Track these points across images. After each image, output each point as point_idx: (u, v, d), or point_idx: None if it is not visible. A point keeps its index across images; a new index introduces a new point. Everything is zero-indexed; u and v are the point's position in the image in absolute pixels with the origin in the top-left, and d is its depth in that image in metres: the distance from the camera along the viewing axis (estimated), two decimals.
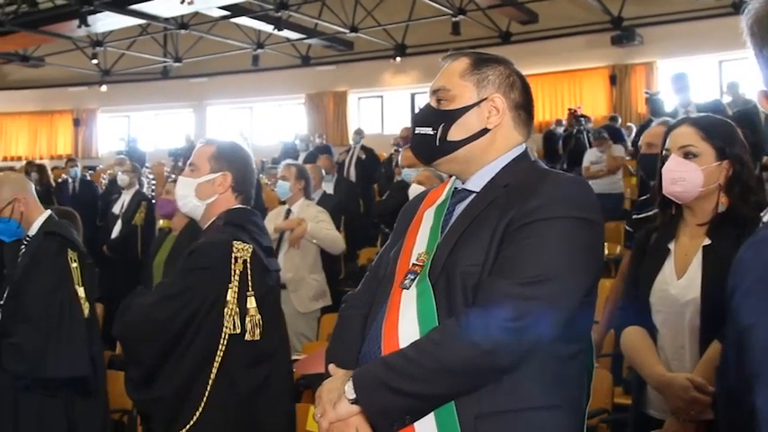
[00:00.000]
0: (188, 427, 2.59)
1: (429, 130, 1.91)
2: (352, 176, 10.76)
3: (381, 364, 1.72)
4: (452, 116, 1.89)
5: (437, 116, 1.91)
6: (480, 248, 1.75)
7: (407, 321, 1.77)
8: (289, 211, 5.78)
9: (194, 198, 2.84)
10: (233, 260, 2.65)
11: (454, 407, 1.70)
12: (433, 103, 1.93)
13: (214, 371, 2.60)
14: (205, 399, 2.59)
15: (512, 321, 1.64)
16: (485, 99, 1.90)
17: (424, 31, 17.39)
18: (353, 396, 1.71)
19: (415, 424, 1.70)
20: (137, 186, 8.53)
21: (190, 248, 2.76)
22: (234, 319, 2.61)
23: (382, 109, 19.86)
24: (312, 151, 11.82)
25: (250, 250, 2.69)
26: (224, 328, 2.59)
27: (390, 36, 18.10)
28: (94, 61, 19.86)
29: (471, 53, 1.96)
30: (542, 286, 1.66)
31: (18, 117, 22.79)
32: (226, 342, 2.60)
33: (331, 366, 1.88)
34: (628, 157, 10.44)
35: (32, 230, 3.59)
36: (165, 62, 20.53)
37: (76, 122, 22.29)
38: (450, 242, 1.81)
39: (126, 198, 8.38)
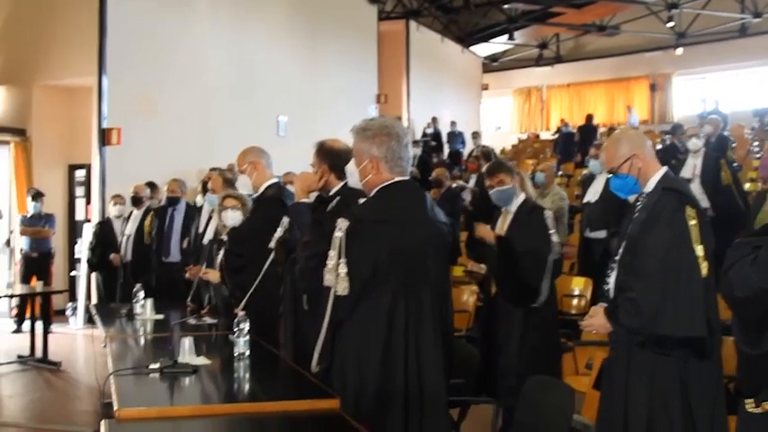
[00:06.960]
0: None
1: None
2: None
3: None
4: None
5: None
6: None
7: None
8: None
9: None
10: None
11: None
12: None
13: None
14: None
15: None
16: None
17: None
18: None
19: None
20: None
21: None
22: None
23: None
24: None
25: None
26: None
27: None
28: (670, 24, 19.85)
29: None
30: None
31: (595, 85, 24.02)
32: None
33: None
34: None
35: (649, 186, 3.58)
36: (742, 19, 19.64)
37: (652, 87, 22.56)
38: None
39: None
